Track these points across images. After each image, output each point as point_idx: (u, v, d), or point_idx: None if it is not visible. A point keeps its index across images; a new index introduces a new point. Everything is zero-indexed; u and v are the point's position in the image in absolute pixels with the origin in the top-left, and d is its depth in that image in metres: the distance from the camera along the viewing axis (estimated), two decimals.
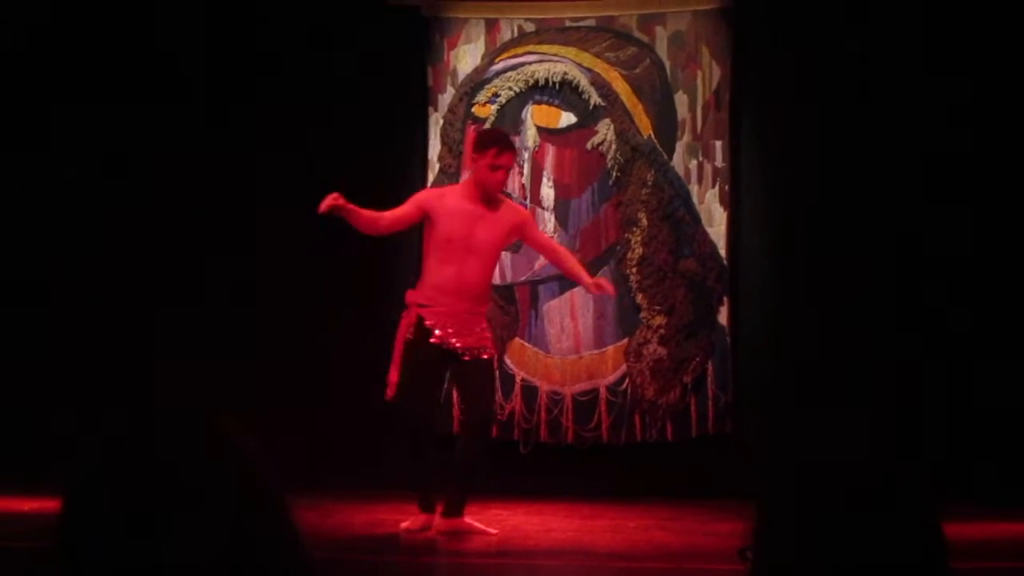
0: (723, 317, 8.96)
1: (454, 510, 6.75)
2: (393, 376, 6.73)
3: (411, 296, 6.88)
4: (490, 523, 7.16)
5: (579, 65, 9.18)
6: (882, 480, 1.53)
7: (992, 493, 7.97)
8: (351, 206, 6.59)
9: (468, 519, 6.80)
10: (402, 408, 6.76)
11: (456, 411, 8.89)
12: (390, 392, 6.74)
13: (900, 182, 8.70)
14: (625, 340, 9.05)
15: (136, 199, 9.18)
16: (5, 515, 7.34)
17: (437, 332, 6.73)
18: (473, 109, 9.23)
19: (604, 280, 7.34)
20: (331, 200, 6.51)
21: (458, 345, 6.76)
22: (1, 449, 8.82)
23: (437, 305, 6.76)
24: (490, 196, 6.94)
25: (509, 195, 9.03)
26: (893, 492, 1.52)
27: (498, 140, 7.11)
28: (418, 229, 7.08)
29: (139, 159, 9.20)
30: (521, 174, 9.13)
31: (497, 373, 7.73)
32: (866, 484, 1.52)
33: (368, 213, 6.71)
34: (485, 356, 6.86)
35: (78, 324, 9.10)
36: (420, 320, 6.74)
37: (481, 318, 6.93)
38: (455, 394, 7.96)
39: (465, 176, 7.14)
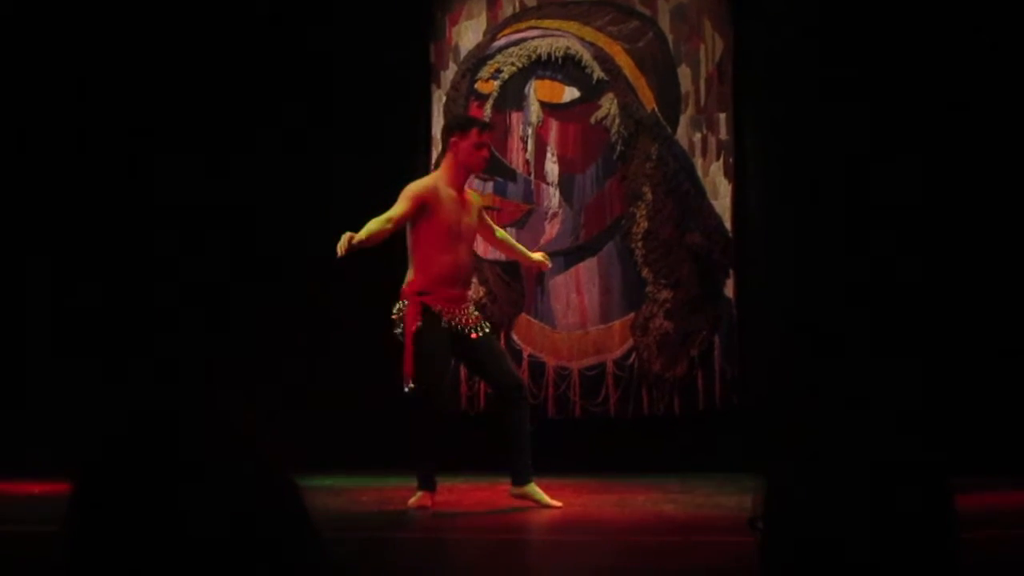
0: (729, 290, 8.97)
1: (524, 478, 6.91)
2: (408, 368, 6.77)
3: (411, 287, 6.90)
4: (498, 499, 7.19)
5: (581, 40, 9.16)
6: (891, 451, 1.52)
7: (1000, 462, 7.98)
8: (363, 235, 6.56)
9: (536, 486, 6.91)
10: (423, 395, 6.79)
11: (464, 388, 8.93)
12: (408, 383, 6.78)
13: (905, 152, 8.67)
14: (631, 314, 9.05)
15: (137, 193, 9.19)
16: (14, 498, 7.36)
17: (445, 317, 6.83)
18: (476, 85, 9.22)
19: (543, 254, 7.70)
20: (346, 242, 6.48)
21: (462, 325, 6.88)
22: (10, 434, 8.84)
23: (437, 292, 6.86)
24: (466, 180, 7.10)
25: (514, 171, 9.05)
26: (903, 463, 1.52)
27: (474, 120, 7.54)
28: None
29: (139, 152, 9.20)
30: (525, 150, 9.13)
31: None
32: (875, 454, 1.52)
33: (377, 231, 6.66)
34: (488, 329, 7.09)
35: (88, 314, 9.10)
36: (426, 308, 6.81)
37: (467, 300, 7.14)
38: (464, 372, 8.13)
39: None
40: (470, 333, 6.92)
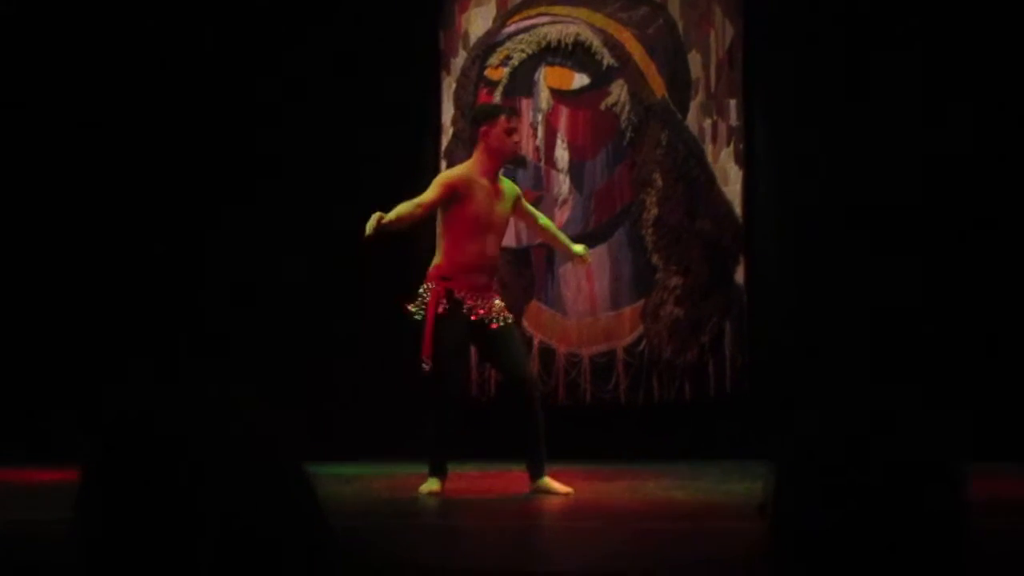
0: (739, 276, 8.96)
1: (541, 471, 6.90)
2: (426, 349, 6.78)
3: (436, 271, 6.93)
4: (508, 485, 7.20)
5: (591, 26, 9.15)
6: (900, 437, 1.52)
7: (1016, 449, 7.97)
8: (392, 216, 6.56)
9: (547, 478, 6.90)
10: (436, 378, 6.80)
11: (474, 375, 8.93)
12: (428, 366, 6.78)
13: (916, 139, 8.65)
14: (642, 301, 9.05)
15: (146, 188, 9.20)
16: (23, 487, 7.37)
17: (468, 303, 6.83)
18: (485, 72, 9.22)
19: (584, 247, 7.53)
20: (375, 221, 6.48)
21: (484, 314, 6.87)
22: (19, 422, 8.86)
23: (462, 279, 6.86)
24: (500, 167, 7.05)
25: (525, 158, 9.03)
26: (912, 449, 1.51)
27: (501, 107, 7.62)
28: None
29: (147, 146, 9.20)
30: (535, 136, 9.12)
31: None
32: (884, 441, 1.51)
33: (406, 214, 6.68)
34: (509, 321, 7.05)
35: (99, 306, 9.11)
36: (449, 293, 6.82)
37: (493, 289, 7.11)
38: (475, 359, 8.16)
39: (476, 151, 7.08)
40: (490, 323, 6.91)
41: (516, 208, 7.18)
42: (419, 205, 6.78)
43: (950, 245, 8.55)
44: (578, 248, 7.45)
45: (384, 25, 9.18)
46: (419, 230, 7.27)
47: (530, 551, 5.62)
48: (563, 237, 7.54)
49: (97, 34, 9.19)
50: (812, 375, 8.27)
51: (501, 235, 7.15)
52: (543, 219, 7.47)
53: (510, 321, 7.06)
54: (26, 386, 9.08)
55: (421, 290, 6.93)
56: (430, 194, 6.85)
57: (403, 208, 6.68)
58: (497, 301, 7.02)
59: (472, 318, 6.87)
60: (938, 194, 8.59)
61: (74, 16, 9.24)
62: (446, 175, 7.12)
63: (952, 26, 8.60)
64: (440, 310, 6.82)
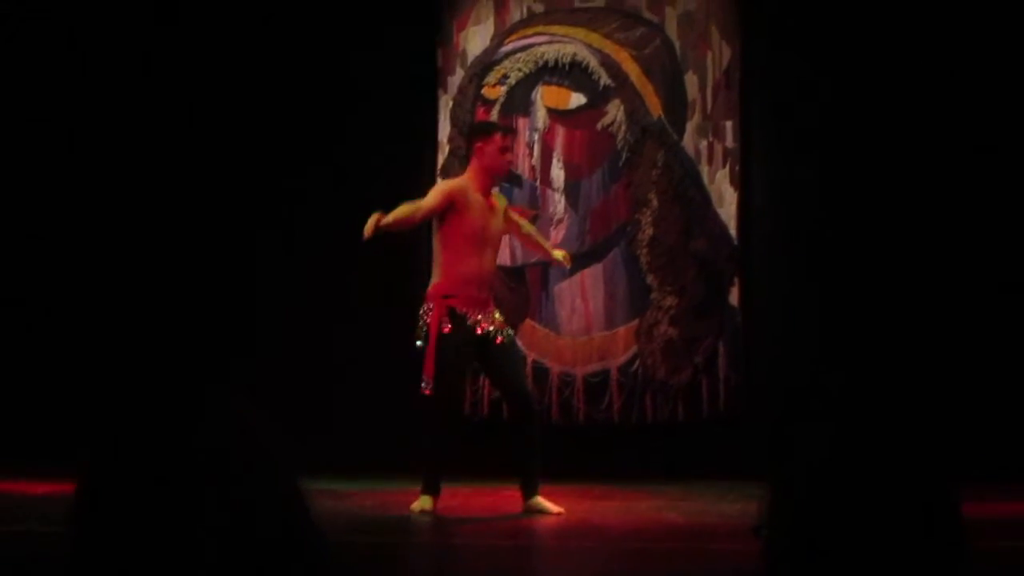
0: (734, 297, 8.96)
1: (534, 489, 6.90)
2: (429, 370, 6.76)
3: (436, 289, 6.92)
4: (501, 504, 7.20)
5: (588, 46, 9.16)
6: (896, 458, 1.52)
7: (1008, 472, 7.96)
8: (391, 219, 6.57)
9: (539, 498, 6.91)
10: (437, 398, 6.78)
11: (467, 393, 8.92)
12: (429, 389, 6.76)
13: (912, 161, 8.67)
14: (636, 320, 9.04)
15: (147, 192, 9.18)
16: (18, 498, 7.36)
17: (471, 318, 6.82)
18: (483, 91, 9.23)
19: (564, 252, 7.68)
20: (373, 223, 6.50)
21: (488, 328, 6.86)
22: (14, 433, 8.84)
23: (463, 294, 6.85)
24: (493, 184, 7.10)
25: (520, 177, 9.05)
26: (907, 470, 1.51)
27: (497, 125, 7.62)
28: (425, 226, 7.13)
29: (151, 153, 9.20)
30: (531, 155, 9.13)
31: None
32: (879, 461, 1.51)
33: (405, 217, 6.69)
34: (511, 335, 7.10)
35: (95, 315, 9.09)
36: (451, 311, 6.81)
37: (492, 303, 7.11)
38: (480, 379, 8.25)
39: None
40: (495, 337, 6.93)
41: (507, 221, 7.21)
42: (418, 208, 6.81)
43: (946, 263, 8.55)
44: (558, 253, 7.55)
45: (382, 43, 9.18)
46: (414, 244, 7.27)
47: (522, 570, 5.61)
48: (545, 243, 7.65)
49: (95, 33, 9.21)
50: (806, 396, 8.25)
51: (497, 250, 7.18)
52: (526, 226, 7.55)
53: (512, 335, 7.09)
54: (23, 395, 9.06)
55: (422, 311, 6.92)
56: (430, 200, 6.88)
57: (402, 211, 6.71)
58: (498, 315, 7.04)
59: (477, 332, 6.87)
60: (934, 212, 8.60)
61: (67, 14, 9.25)
62: (445, 184, 7.19)
63: (950, 42, 8.61)
64: (444, 329, 6.80)
